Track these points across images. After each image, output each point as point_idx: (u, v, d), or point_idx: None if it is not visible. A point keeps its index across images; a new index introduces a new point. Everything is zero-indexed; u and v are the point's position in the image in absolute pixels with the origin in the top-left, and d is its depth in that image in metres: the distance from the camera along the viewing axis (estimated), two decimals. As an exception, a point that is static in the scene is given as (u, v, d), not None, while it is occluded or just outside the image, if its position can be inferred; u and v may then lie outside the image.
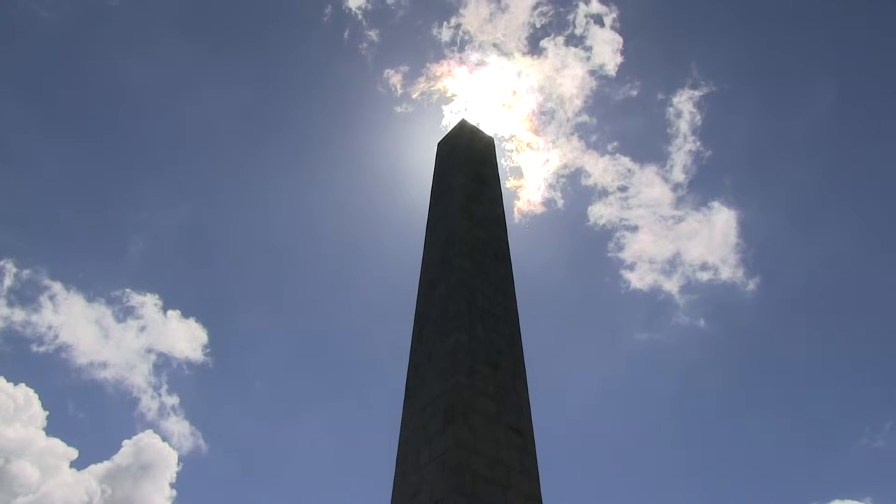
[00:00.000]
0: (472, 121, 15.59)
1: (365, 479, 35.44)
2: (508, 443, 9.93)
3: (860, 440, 35.58)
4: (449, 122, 34.10)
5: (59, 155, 40.95)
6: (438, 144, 15.63)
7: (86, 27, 41.08)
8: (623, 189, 38.58)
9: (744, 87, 42.58)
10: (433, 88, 37.15)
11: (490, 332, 11.29)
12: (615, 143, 40.92)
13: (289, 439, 39.22)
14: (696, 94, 38.79)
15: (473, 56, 35.25)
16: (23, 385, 35.75)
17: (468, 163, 14.20)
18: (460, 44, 38.06)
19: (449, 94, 34.71)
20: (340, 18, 41.27)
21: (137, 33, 41.53)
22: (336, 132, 43.40)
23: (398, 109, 40.94)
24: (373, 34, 41.13)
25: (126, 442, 35.69)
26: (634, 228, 38.75)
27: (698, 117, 38.83)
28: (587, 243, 40.65)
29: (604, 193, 39.01)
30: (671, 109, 39.50)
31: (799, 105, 40.74)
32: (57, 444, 35.26)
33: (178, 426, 37.29)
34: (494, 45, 35.36)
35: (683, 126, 38.88)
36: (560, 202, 38.65)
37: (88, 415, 39.01)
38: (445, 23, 39.23)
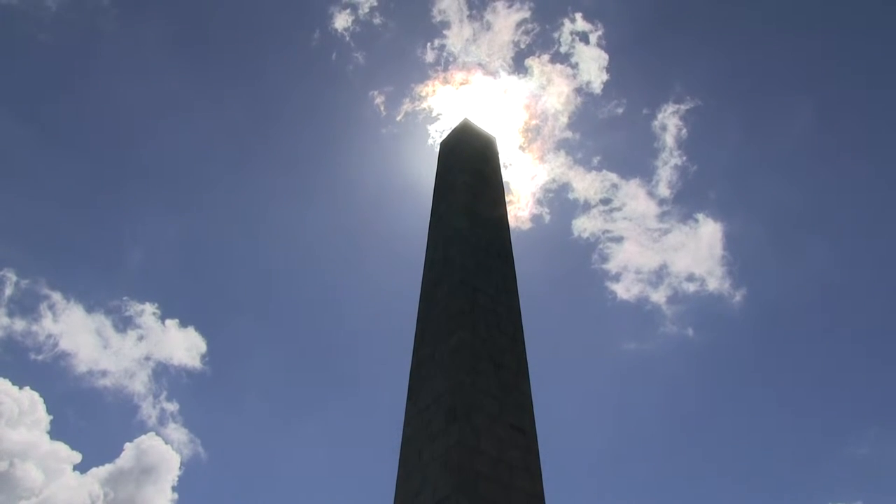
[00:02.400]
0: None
1: (366, 483, 35.50)
2: (511, 441, 9.86)
3: (846, 448, 36.14)
4: (434, 141, 35.07)
5: (58, 170, 41.76)
6: (441, 144, 15.60)
7: (83, 49, 42.09)
8: (607, 202, 38.93)
9: (726, 104, 43.36)
10: (418, 108, 37.72)
11: (492, 330, 11.22)
12: (602, 159, 41.34)
13: (290, 445, 39.29)
14: (682, 107, 39.17)
15: (458, 75, 35.54)
16: (27, 388, 35.87)
17: (470, 161, 14.15)
18: (445, 64, 38.44)
19: (434, 114, 35.26)
20: (328, 40, 42.01)
21: (133, 56, 42.63)
22: (325, 149, 44.28)
23: (384, 130, 41.55)
24: (359, 56, 41.79)
25: (128, 445, 35.74)
26: (620, 240, 39.03)
27: (684, 130, 39.14)
28: (575, 257, 40.83)
29: (591, 207, 39.31)
30: (657, 123, 39.93)
31: (778, 123, 41.64)
32: (61, 448, 35.33)
33: (177, 433, 37.40)
34: (479, 65, 35.55)
35: (669, 140, 39.24)
36: (547, 217, 38.83)
37: (89, 422, 39.27)
38: (429, 44, 39.70)
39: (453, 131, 15.38)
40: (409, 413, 10.89)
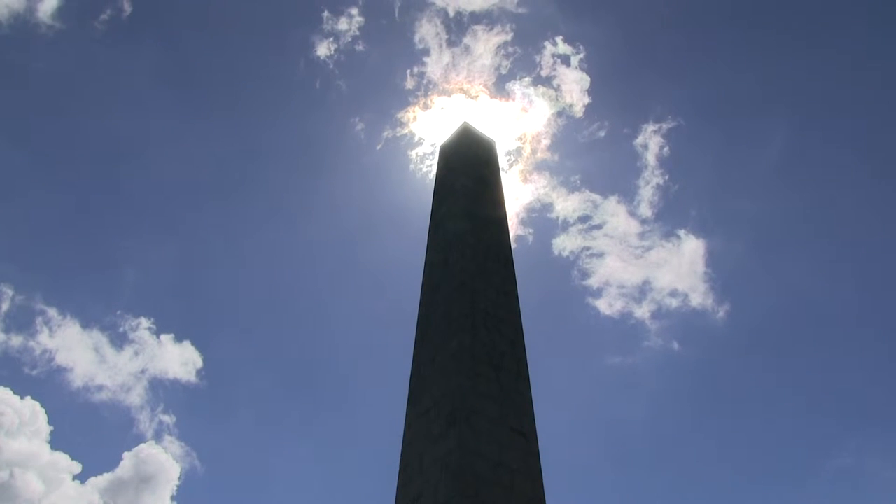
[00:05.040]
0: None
1: (365, 490, 35.50)
2: (511, 445, 9.77)
3: (830, 460, 36.46)
4: (415, 167, 35.95)
5: (51, 191, 42.28)
6: (441, 147, 15.55)
7: (76, 78, 42.82)
8: (589, 220, 39.40)
9: (707, 124, 44.18)
10: (399, 134, 38.37)
11: (493, 333, 11.15)
12: (585, 180, 41.85)
13: (289, 453, 39.24)
14: (664, 126, 39.77)
15: (439, 101, 36.04)
16: (28, 398, 35.87)
17: (470, 165, 14.11)
18: (425, 90, 39.01)
19: (416, 140, 35.84)
20: (313, 69, 42.61)
21: (124, 84, 43.36)
22: (313, 173, 44.94)
23: (366, 155, 42.29)
24: (342, 84, 42.48)
25: (126, 454, 35.73)
26: (602, 255, 39.45)
27: (666, 148, 39.67)
28: (563, 274, 41.06)
29: (570, 226, 39.76)
30: (638, 143, 40.45)
31: (756, 143, 42.29)
32: (61, 458, 35.29)
33: (172, 447, 37.41)
34: (461, 89, 35.93)
35: (651, 159, 39.91)
36: (531, 238, 39.11)
37: (86, 436, 39.47)
38: (409, 71, 40.37)
39: (453, 134, 15.35)
40: (410, 417, 10.82)
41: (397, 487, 10.10)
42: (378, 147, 40.51)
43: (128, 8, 39.45)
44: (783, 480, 35.70)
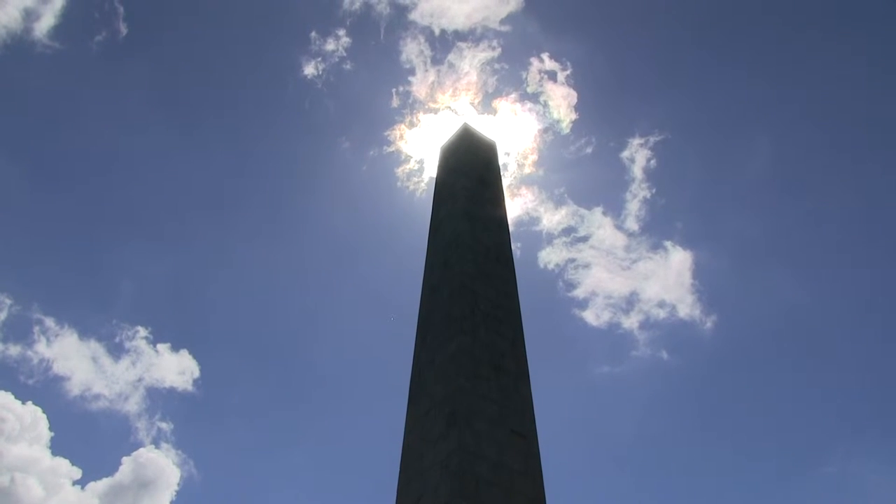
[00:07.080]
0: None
1: (366, 492, 35.46)
2: (512, 446, 9.70)
3: (817, 467, 36.75)
4: (402, 184, 36.89)
5: (50, 206, 42.92)
6: (441, 149, 15.52)
7: (72, 95, 43.48)
8: (572, 231, 40.02)
9: (692, 138, 44.76)
10: (386, 152, 39.13)
11: (492, 334, 11.08)
12: (571, 193, 42.22)
13: (285, 463, 39.26)
14: (652, 139, 40.30)
15: (425, 118, 36.41)
16: (30, 404, 35.85)
17: (470, 166, 14.07)
18: (411, 108, 39.58)
19: (403, 157, 36.26)
20: (301, 88, 43.42)
21: (119, 103, 44.19)
22: (304, 190, 45.75)
23: (354, 172, 43.00)
24: (330, 104, 43.29)
25: (125, 459, 35.73)
26: (587, 266, 39.96)
27: (653, 161, 40.13)
28: (549, 286, 41.31)
29: (558, 240, 40.27)
30: (625, 157, 40.93)
31: (743, 156, 42.94)
32: (62, 464, 35.23)
33: (170, 454, 37.45)
34: (448, 107, 36.24)
35: (637, 172, 40.48)
36: (518, 252, 39.26)
37: (83, 444, 39.67)
38: (394, 89, 41.13)
39: (453, 136, 15.32)
40: (410, 418, 10.75)
41: (398, 489, 10.04)
42: (364, 168, 41.23)
43: (123, 29, 40.41)
44: (772, 485, 35.85)
